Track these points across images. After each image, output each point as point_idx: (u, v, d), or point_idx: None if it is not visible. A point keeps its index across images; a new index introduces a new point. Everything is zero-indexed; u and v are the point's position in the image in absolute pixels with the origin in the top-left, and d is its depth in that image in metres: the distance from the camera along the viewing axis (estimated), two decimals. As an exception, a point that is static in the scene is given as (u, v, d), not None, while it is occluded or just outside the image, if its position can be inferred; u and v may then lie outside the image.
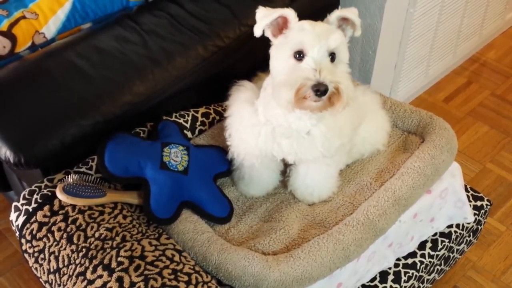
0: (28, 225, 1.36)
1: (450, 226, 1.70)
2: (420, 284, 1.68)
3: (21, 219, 1.38)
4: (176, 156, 1.44)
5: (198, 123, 1.68)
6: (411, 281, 1.58)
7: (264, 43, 1.31)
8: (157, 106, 1.59)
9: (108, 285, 1.21)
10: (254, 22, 1.28)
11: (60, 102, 1.42)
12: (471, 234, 1.82)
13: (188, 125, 1.65)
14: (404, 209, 1.43)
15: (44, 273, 1.32)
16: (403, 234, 1.52)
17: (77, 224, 1.32)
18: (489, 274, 1.99)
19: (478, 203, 1.78)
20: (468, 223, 1.74)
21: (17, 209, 1.41)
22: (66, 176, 1.41)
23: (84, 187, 1.38)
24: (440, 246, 1.66)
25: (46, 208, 1.36)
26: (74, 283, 1.24)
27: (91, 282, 1.23)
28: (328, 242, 1.32)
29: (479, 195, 1.81)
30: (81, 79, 1.46)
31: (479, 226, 1.83)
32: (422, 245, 1.64)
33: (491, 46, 3.12)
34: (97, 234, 1.30)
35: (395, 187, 1.42)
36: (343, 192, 1.50)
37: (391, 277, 1.55)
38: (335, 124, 1.35)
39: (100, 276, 1.23)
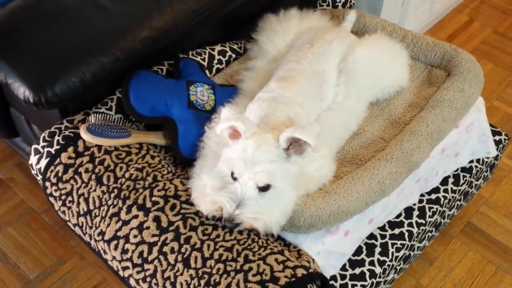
0: (52, 167, 1.30)
1: (471, 161, 1.70)
2: (442, 220, 1.68)
3: (44, 161, 1.32)
4: (202, 95, 1.39)
5: (215, 61, 1.62)
6: (435, 216, 1.58)
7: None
8: (175, 43, 1.52)
9: (145, 224, 1.17)
10: None
11: (79, 38, 1.34)
12: (489, 169, 1.82)
13: (205, 63, 1.59)
14: (436, 143, 1.40)
15: (73, 216, 1.27)
16: (430, 169, 1.51)
17: (105, 164, 1.27)
18: (502, 209, 2.01)
19: (496, 137, 1.77)
20: (488, 158, 1.74)
21: (37, 151, 1.35)
22: (89, 116, 1.35)
23: (108, 127, 1.32)
24: (462, 181, 1.65)
25: (70, 149, 1.30)
26: (108, 224, 1.21)
27: (126, 222, 1.19)
28: (363, 176, 1.30)
29: (497, 129, 1.80)
30: (99, 14, 1.38)
31: (495, 161, 1.83)
32: (444, 181, 1.63)
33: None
34: (127, 175, 1.25)
35: (427, 121, 1.40)
36: (372, 127, 1.47)
37: (416, 212, 1.54)
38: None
39: (136, 216, 1.19)
